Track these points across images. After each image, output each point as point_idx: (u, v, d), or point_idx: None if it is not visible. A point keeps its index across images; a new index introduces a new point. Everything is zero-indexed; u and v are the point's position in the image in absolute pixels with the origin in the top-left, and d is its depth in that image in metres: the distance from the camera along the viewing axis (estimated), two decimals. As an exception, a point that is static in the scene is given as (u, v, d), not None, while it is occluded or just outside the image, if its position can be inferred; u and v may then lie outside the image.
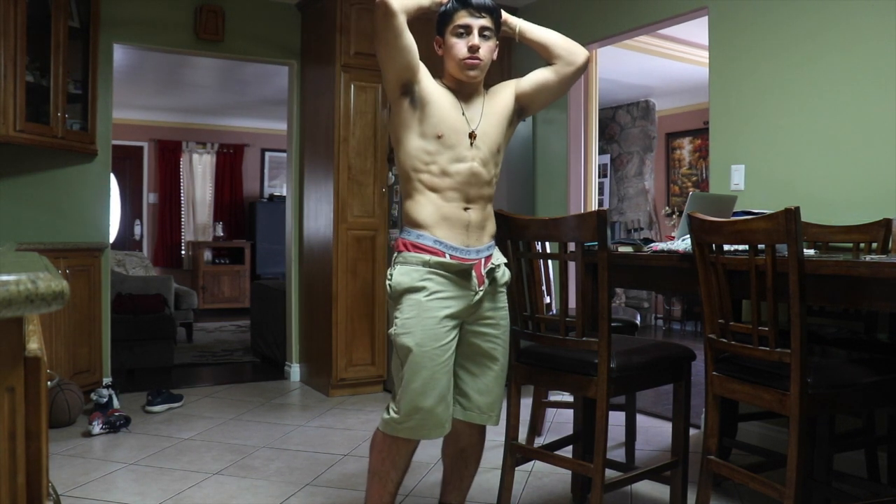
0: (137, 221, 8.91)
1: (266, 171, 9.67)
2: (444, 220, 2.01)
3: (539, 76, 2.14)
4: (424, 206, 2.02)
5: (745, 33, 3.43)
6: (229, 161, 9.38)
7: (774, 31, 3.30)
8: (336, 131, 4.37)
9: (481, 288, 2.04)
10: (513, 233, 2.26)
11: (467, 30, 2.01)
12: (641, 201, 7.62)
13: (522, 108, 2.17)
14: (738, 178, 3.45)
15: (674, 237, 2.56)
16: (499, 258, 2.12)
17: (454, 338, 2.01)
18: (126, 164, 8.69)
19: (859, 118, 2.99)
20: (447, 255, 2.00)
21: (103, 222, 4.43)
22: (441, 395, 1.98)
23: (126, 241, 8.64)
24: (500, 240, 2.28)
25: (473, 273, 2.03)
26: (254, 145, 9.55)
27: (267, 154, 9.64)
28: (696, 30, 4.26)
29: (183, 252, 9.14)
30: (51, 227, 4.20)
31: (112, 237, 4.87)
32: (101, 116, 4.28)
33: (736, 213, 2.51)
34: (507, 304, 2.16)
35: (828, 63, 3.10)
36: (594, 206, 4.63)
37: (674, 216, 6.87)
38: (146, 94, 7.47)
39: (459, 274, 2.00)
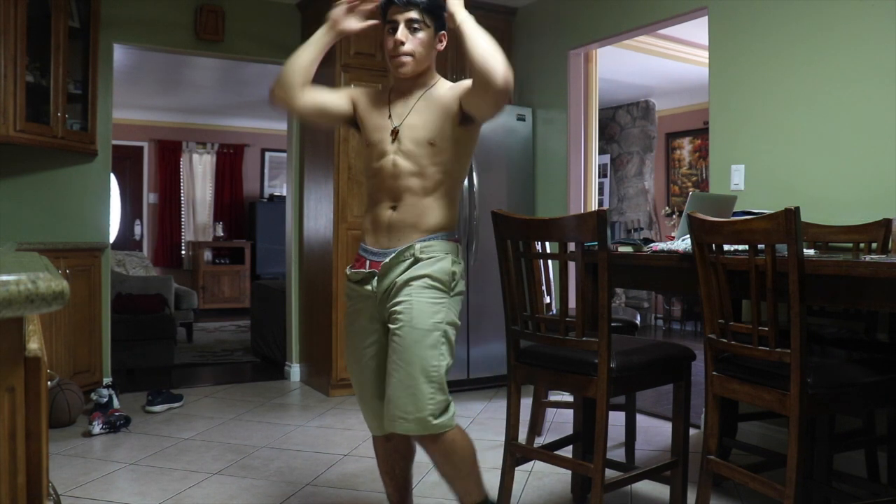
0: (137, 221, 8.90)
1: (266, 171, 9.67)
2: (371, 224, 2.06)
3: (469, 91, 1.90)
4: (365, 215, 2.11)
5: (745, 33, 3.43)
6: (229, 161, 9.37)
7: (774, 31, 3.30)
8: (336, 131, 4.37)
9: (374, 288, 2.00)
10: (513, 233, 2.26)
11: (394, 25, 1.97)
12: (641, 201, 7.62)
13: (466, 114, 1.94)
14: (737, 178, 3.44)
15: (674, 237, 2.56)
16: (404, 257, 1.95)
17: (374, 342, 2.04)
18: (126, 164, 8.69)
19: (859, 118, 2.99)
20: (367, 262, 2.04)
21: (103, 222, 4.43)
22: (368, 395, 2.07)
23: (126, 241, 8.63)
24: (500, 239, 2.28)
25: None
26: (254, 145, 9.55)
27: (267, 154, 9.63)
28: (696, 30, 4.25)
29: (183, 252, 9.14)
30: (51, 227, 4.19)
31: (112, 237, 4.86)
32: (101, 116, 4.28)
33: (736, 213, 2.51)
34: (416, 296, 1.92)
35: (828, 63, 3.10)
36: (594, 206, 4.63)
37: (674, 216, 6.85)
38: (146, 94, 7.47)
39: (359, 282, 2.05)
